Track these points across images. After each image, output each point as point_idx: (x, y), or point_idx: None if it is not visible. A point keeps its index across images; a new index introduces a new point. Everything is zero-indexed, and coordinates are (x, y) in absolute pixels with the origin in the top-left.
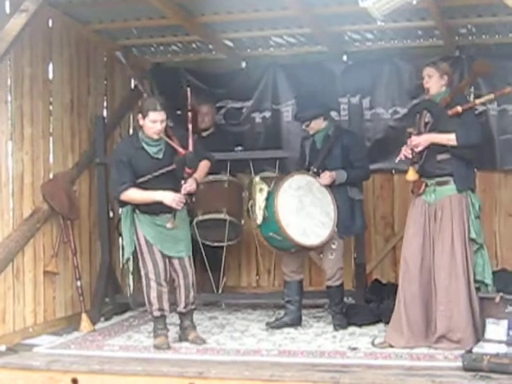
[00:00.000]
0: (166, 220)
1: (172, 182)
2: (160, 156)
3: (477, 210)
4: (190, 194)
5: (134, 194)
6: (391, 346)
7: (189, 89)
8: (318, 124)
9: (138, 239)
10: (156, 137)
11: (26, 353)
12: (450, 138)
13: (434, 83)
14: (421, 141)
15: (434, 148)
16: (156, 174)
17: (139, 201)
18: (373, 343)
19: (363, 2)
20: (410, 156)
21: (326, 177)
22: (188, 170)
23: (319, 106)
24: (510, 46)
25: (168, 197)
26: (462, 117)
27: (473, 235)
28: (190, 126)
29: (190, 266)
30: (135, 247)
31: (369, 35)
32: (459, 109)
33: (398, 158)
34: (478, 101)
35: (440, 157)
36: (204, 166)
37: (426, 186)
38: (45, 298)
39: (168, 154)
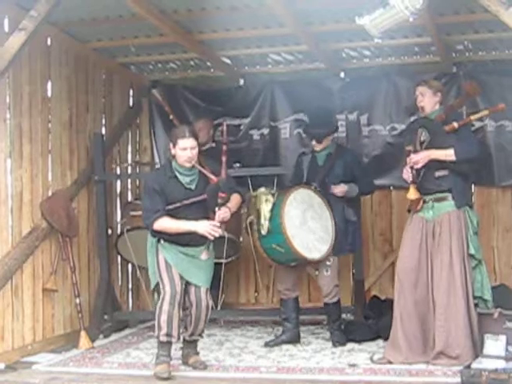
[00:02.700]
0: (193, 252)
1: (203, 214)
2: (193, 187)
3: (475, 225)
4: (222, 223)
5: (167, 223)
6: (390, 362)
7: (225, 124)
8: (328, 141)
9: (158, 265)
10: (188, 165)
11: (25, 370)
12: (448, 154)
13: (428, 101)
14: (420, 158)
15: (432, 165)
16: (186, 202)
17: (172, 230)
18: (372, 359)
19: (360, 19)
20: (410, 174)
21: (339, 187)
22: (222, 195)
23: (333, 124)
24: (506, 62)
25: (201, 226)
26: (459, 132)
27: (472, 251)
28: (224, 158)
29: (205, 298)
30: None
31: (366, 52)
32: (455, 125)
33: (406, 178)
34: (473, 117)
35: (438, 173)
36: (235, 198)
37: (424, 202)
38: (44, 316)
39: (201, 186)
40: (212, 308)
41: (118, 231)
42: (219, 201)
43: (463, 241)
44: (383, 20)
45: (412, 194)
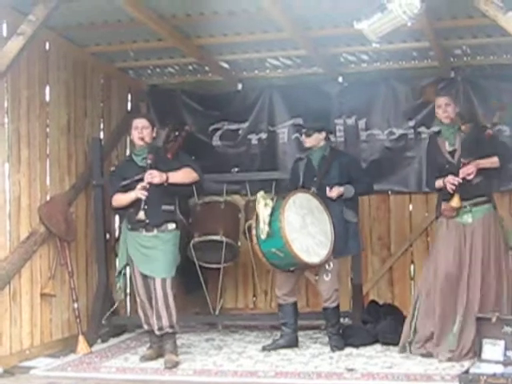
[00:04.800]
0: (146, 239)
1: (157, 187)
2: (144, 164)
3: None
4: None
5: (118, 197)
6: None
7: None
8: (318, 139)
9: (127, 254)
10: (141, 142)
11: (23, 375)
12: (493, 161)
13: (452, 111)
14: (474, 170)
15: None
16: (136, 177)
17: (122, 201)
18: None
19: (358, 24)
20: (457, 184)
21: (335, 190)
22: (149, 156)
23: (324, 122)
24: (504, 66)
25: (134, 191)
26: (493, 140)
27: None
28: (180, 139)
29: (161, 289)
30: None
31: (364, 57)
32: (491, 132)
33: (449, 189)
34: (495, 119)
35: (475, 180)
36: (184, 171)
37: (460, 208)
38: (42, 320)
39: (153, 167)
40: (210, 313)
41: (116, 236)
42: (148, 161)
43: (501, 240)
44: (381, 25)
45: (457, 202)
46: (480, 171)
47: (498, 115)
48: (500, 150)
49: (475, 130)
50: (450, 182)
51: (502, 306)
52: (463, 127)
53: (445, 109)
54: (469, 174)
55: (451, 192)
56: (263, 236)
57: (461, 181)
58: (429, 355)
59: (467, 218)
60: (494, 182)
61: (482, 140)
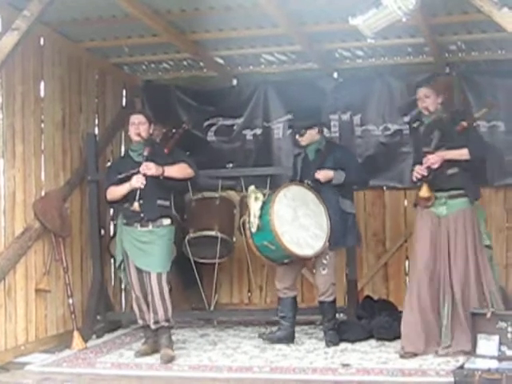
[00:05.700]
0: (141, 234)
1: (153, 181)
2: (141, 160)
3: (485, 217)
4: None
5: (112, 190)
6: (415, 355)
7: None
8: (312, 135)
9: (123, 249)
10: (137, 138)
11: (18, 371)
12: (462, 153)
13: (432, 103)
14: (437, 159)
15: (445, 164)
16: (133, 171)
17: (117, 193)
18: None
19: (353, 19)
20: (426, 174)
21: (323, 173)
22: (146, 148)
23: (316, 118)
24: (499, 62)
25: (132, 180)
26: (468, 132)
27: (487, 242)
28: (177, 136)
29: (156, 284)
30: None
31: (359, 52)
32: (465, 124)
33: (414, 178)
34: (477, 115)
35: (450, 171)
36: (178, 165)
37: (436, 198)
38: (36, 316)
39: (150, 160)
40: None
41: (111, 232)
42: (144, 153)
43: (477, 235)
44: (376, 20)
45: (425, 191)
46: (455, 163)
47: (483, 112)
48: (473, 143)
49: (451, 120)
50: (416, 171)
51: (482, 301)
52: (434, 116)
53: (423, 100)
54: (432, 163)
55: (415, 180)
56: (253, 229)
57: (425, 170)
58: (416, 354)
59: (442, 210)
60: (473, 175)
61: (453, 131)
